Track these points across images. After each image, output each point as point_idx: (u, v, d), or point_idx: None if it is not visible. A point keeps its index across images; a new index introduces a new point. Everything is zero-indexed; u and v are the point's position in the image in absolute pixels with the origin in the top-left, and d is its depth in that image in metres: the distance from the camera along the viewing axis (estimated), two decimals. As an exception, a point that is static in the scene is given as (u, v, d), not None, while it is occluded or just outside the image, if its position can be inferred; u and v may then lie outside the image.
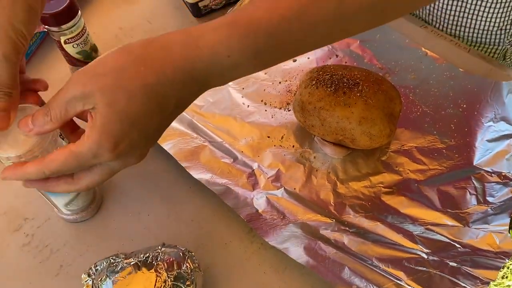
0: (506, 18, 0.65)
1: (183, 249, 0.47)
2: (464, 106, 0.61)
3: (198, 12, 0.72)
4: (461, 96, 0.62)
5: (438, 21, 0.69)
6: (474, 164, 0.56)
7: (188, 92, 0.39)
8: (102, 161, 0.39)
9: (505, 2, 0.63)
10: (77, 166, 0.39)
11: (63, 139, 0.53)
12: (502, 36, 0.67)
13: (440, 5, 0.67)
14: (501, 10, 0.64)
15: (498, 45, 0.69)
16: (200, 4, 0.70)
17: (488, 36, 0.68)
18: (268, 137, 0.60)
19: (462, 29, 0.68)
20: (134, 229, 0.55)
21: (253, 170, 0.58)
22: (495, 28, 0.66)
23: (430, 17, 0.71)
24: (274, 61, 0.40)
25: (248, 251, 0.53)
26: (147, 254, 0.45)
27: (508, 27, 0.66)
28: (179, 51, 0.37)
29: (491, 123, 0.58)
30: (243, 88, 0.65)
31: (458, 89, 0.62)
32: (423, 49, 0.66)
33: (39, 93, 0.52)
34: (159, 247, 0.46)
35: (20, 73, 0.45)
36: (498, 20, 0.65)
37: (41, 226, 0.56)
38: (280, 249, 0.50)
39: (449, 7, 0.67)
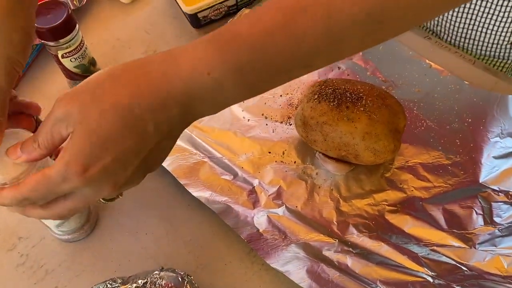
0: None
1: (181, 273, 0.45)
2: (470, 120, 0.59)
3: (197, 23, 0.71)
4: (466, 110, 0.60)
5: (446, 32, 0.68)
6: (480, 181, 0.55)
7: (168, 115, 0.35)
8: (72, 186, 0.36)
9: None
10: (47, 191, 0.36)
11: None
12: None
13: (449, 16, 0.65)
14: (511, 24, 0.62)
15: (508, 59, 0.67)
16: (199, 15, 0.69)
17: (498, 50, 0.66)
18: (269, 152, 0.59)
19: (471, 41, 0.67)
20: (132, 249, 0.54)
21: (254, 187, 0.56)
22: (505, 42, 0.64)
23: (438, 27, 0.69)
24: (261, 82, 0.36)
25: (248, 273, 0.52)
26: (145, 280, 0.44)
27: None
28: (157, 68, 0.35)
29: (497, 138, 0.57)
30: (243, 102, 0.63)
31: (463, 103, 0.61)
32: (427, 61, 0.64)
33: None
34: (157, 272, 0.45)
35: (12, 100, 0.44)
36: (509, 34, 0.63)
37: (36, 246, 0.55)
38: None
39: (458, 19, 0.65)
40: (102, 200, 0.42)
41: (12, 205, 0.39)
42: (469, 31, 0.65)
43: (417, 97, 0.62)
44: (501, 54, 0.67)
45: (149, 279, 0.44)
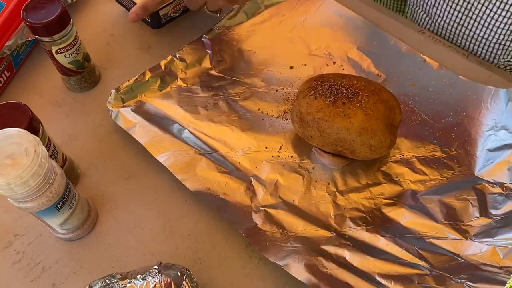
0: (508, 33, 0.62)
1: (180, 267, 0.45)
2: (464, 114, 0.60)
3: (159, 22, 0.68)
4: (461, 103, 0.61)
5: (441, 15, 0.66)
6: (475, 174, 0.55)
7: None
8: None
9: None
10: None
11: (53, 158, 0.52)
12: (499, 52, 0.65)
13: None
14: (505, 20, 0.61)
15: (492, 62, 0.66)
16: (161, 13, 0.67)
17: (485, 47, 0.65)
18: (266, 147, 0.59)
19: (463, 29, 0.65)
20: (129, 245, 0.54)
21: (251, 182, 0.56)
22: (494, 39, 0.64)
23: (434, 9, 0.67)
24: None
25: (247, 267, 0.52)
26: (144, 275, 0.43)
27: (507, 43, 0.64)
28: None
29: (491, 131, 0.57)
30: (239, 97, 0.63)
31: (458, 97, 0.61)
32: (421, 55, 0.64)
33: (30, 105, 0.51)
34: (156, 267, 0.44)
35: None
36: (500, 31, 0.62)
37: (32, 243, 0.54)
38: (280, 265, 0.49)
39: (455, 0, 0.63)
40: (206, 10, 0.57)
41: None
42: (464, 16, 0.64)
43: (412, 91, 0.62)
44: (488, 52, 0.66)
45: (148, 274, 0.43)
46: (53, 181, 0.45)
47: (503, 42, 0.64)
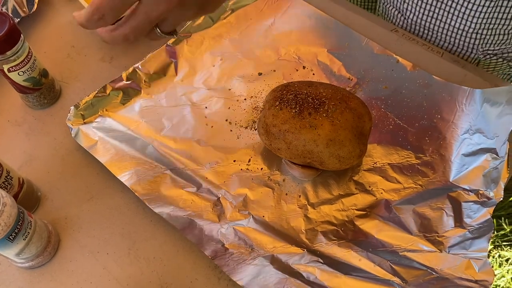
0: (485, 21, 0.60)
1: (141, 298, 0.43)
2: (439, 116, 0.58)
3: None
4: (435, 106, 0.58)
5: (413, 11, 0.64)
6: (450, 180, 0.53)
7: None
8: None
9: (488, 1, 0.57)
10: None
11: (6, 186, 0.49)
12: (476, 42, 0.63)
13: None
14: (480, 9, 0.59)
15: (471, 52, 0.64)
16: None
17: (462, 38, 0.63)
18: (234, 161, 0.57)
19: (437, 23, 0.63)
20: (93, 270, 0.51)
21: (219, 198, 0.54)
22: (471, 30, 0.61)
23: (404, 5, 0.65)
24: None
25: (215, 289, 0.50)
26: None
27: (484, 32, 0.61)
28: None
29: (466, 135, 0.55)
30: (206, 107, 0.61)
31: (432, 99, 0.59)
32: (394, 55, 0.62)
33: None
34: (113, 299, 0.42)
35: None
36: (476, 20, 0.60)
37: (-8, 273, 0.52)
38: (248, 288, 0.47)
39: None
40: (159, 32, 0.46)
41: (89, 22, 0.42)
42: (436, 9, 0.61)
43: (384, 94, 0.60)
44: (466, 44, 0.63)
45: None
46: (1, 213, 0.43)
47: (479, 31, 0.61)
